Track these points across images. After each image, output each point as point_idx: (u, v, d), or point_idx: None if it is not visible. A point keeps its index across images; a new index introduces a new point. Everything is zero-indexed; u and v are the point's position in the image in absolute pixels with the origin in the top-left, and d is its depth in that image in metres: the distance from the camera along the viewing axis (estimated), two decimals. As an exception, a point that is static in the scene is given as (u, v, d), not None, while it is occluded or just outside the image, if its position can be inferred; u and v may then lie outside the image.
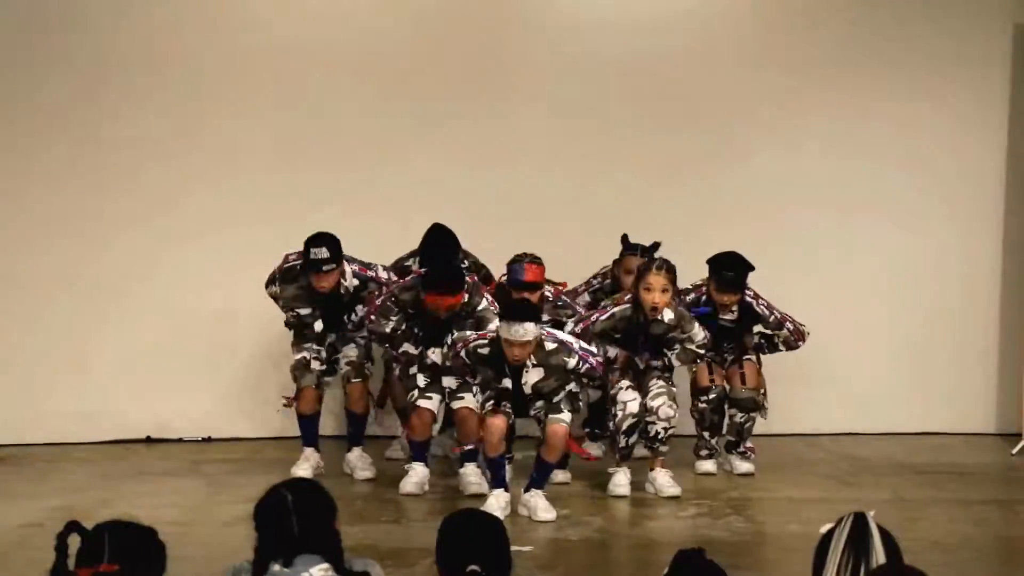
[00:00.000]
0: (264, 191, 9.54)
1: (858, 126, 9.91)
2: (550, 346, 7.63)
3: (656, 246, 8.62)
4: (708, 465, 8.86)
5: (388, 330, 8.30)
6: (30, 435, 9.48)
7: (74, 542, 3.98)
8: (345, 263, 8.54)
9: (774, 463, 8.82)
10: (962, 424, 9.89)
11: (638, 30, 9.88)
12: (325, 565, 4.27)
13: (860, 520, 4.09)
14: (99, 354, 9.58)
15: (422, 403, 8.19)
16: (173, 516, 7.44)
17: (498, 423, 7.66)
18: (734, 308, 8.66)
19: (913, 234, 9.77)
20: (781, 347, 8.91)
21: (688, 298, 8.69)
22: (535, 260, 8.42)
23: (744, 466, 8.83)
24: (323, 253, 8.39)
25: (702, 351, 8.40)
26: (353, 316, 8.72)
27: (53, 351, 9.58)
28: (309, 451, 8.66)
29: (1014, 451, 9.61)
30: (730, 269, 8.58)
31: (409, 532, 7.34)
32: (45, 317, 9.57)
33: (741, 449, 8.88)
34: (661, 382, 8.28)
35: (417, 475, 8.18)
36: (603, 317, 8.26)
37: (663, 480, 8.23)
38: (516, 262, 8.44)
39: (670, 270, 8.13)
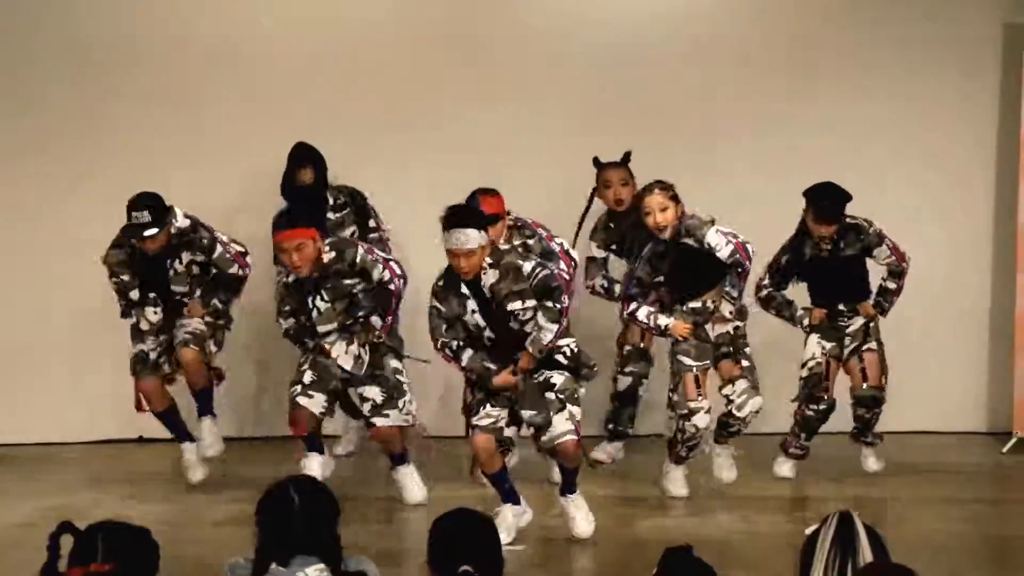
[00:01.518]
0: (262, 190, 9.48)
1: (848, 127, 9.92)
2: (504, 247, 7.44)
3: (627, 155, 8.72)
4: (787, 469, 8.61)
5: (286, 326, 7.99)
6: (22, 435, 9.49)
7: (67, 542, 4.01)
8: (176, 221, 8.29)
9: (765, 461, 8.81)
10: (953, 423, 9.88)
11: (630, 28, 9.89)
12: (321, 566, 4.29)
13: (846, 519, 4.11)
14: (91, 354, 9.58)
15: (301, 400, 7.81)
16: (165, 516, 7.47)
17: (481, 442, 7.25)
18: (829, 243, 8.44)
19: (904, 235, 9.76)
20: (891, 285, 8.60)
21: (784, 259, 8.50)
22: (489, 191, 8.12)
23: (874, 464, 8.64)
24: (144, 217, 8.13)
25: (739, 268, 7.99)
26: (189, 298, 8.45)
27: (46, 351, 9.59)
28: (188, 446, 8.48)
29: (1004, 449, 9.62)
30: (828, 197, 8.40)
31: (399, 532, 7.37)
32: (39, 318, 9.58)
33: (868, 439, 8.64)
34: (744, 381, 8.01)
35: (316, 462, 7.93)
36: (639, 260, 8.07)
37: (723, 460, 8.26)
38: (471, 198, 8.05)
39: (665, 188, 7.95)
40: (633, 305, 8.02)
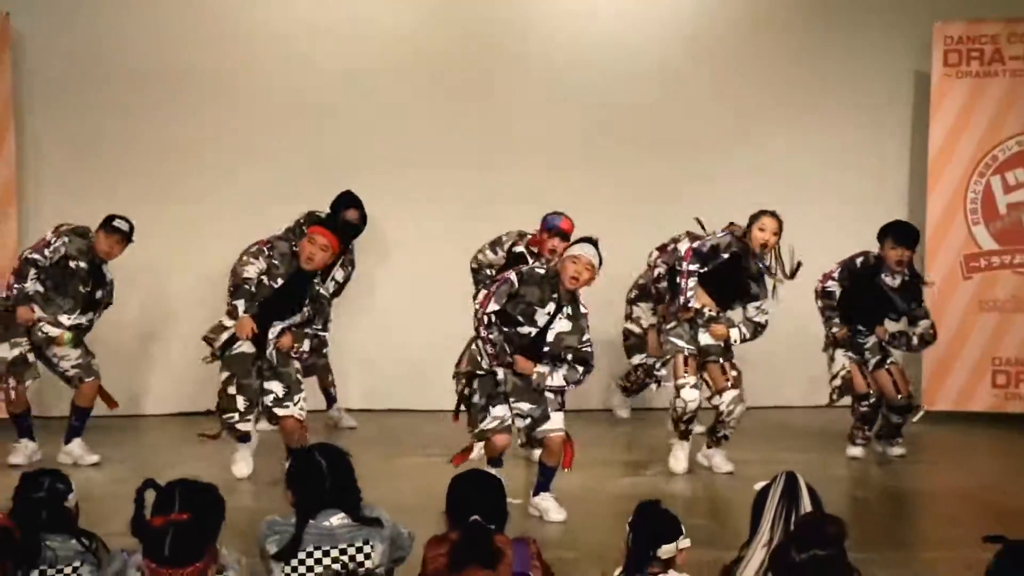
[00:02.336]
0: (288, 188, 9.43)
1: (789, 154, 9.96)
2: (583, 310, 6.82)
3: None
4: (858, 451, 8.45)
5: (252, 274, 7.44)
6: (118, 408, 9.48)
7: (150, 496, 4.03)
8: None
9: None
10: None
11: (620, 73, 9.95)
12: (342, 515, 4.34)
13: (792, 478, 4.15)
14: (169, 342, 9.57)
15: (240, 427, 7.54)
16: (228, 476, 7.46)
17: (500, 442, 6.80)
18: (904, 273, 8.21)
19: (834, 246, 9.75)
20: (915, 342, 8.48)
21: (858, 261, 8.26)
22: (567, 216, 7.99)
23: (898, 450, 8.46)
24: (124, 226, 7.89)
25: (762, 320, 7.85)
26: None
27: (131, 337, 9.59)
28: (28, 442, 8.06)
29: (914, 420, 9.62)
30: (904, 226, 8.21)
31: (421, 490, 7.34)
32: (127, 310, 9.56)
33: (895, 439, 8.49)
34: (730, 392, 7.75)
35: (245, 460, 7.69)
36: (717, 235, 7.83)
37: (719, 459, 7.93)
38: (553, 214, 7.97)
39: (780, 222, 7.77)
40: (695, 266, 7.76)
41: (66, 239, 7.91)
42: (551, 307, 6.71)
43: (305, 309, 7.56)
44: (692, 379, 7.75)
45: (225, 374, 7.53)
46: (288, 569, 4.31)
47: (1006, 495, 7.63)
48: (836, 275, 8.34)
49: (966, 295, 9.76)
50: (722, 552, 4.62)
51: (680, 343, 7.79)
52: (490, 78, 9.93)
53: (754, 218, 7.81)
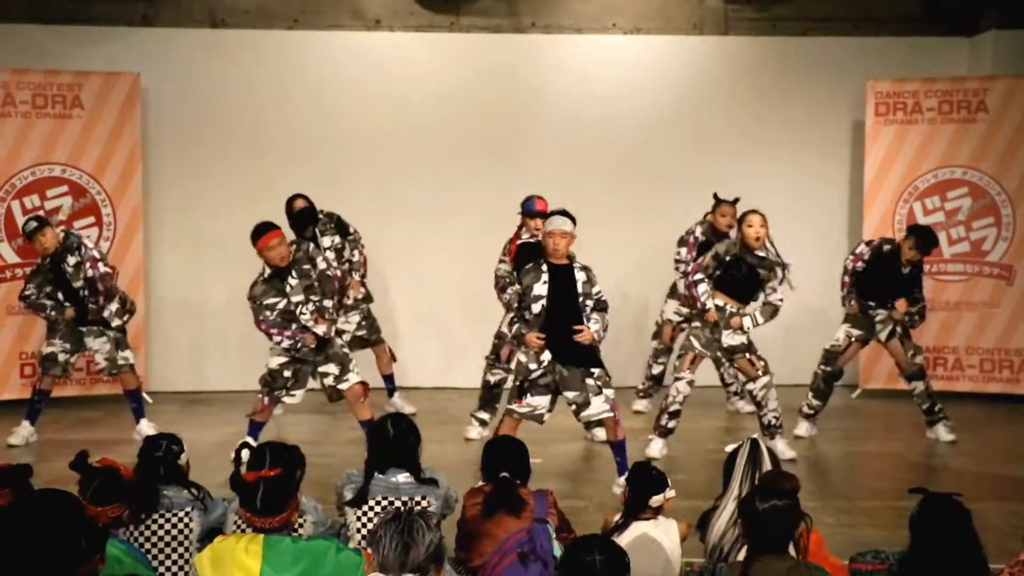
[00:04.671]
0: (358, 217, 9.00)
1: (760, 184, 9.78)
2: (584, 263, 6.32)
3: (737, 200, 7.96)
4: (803, 429, 7.80)
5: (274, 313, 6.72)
6: (219, 384, 9.48)
7: (245, 456, 3.98)
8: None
9: (700, 408, 8.63)
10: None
11: (622, 124, 9.84)
12: (406, 474, 4.31)
13: (755, 442, 4.12)
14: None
15: (288, 399, 6.92)
16: (309, 438, 7.43)
17: (508, 427, 6.19)
18: (908, 267, 7.53)
19: (790, 249, 9.60)
20: (916, 318, 7.66)
21: (885, 247, 7.56)
22: (542, 198, 7.34)
23: (949, 436, 7.65)
24: (31, 224, 7.32)
25: (776, 301, 7.04)
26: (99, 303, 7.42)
27: (229, 328, 9.56)
28: (26, 423, 7.53)
29: (853, 396, 9.55)
30: (933, 242, 7.57)
31: (463, 450, 7.31)
32: (221, 302, 9.52)
33: (939, 411, 7.68)
34: (764, 378, 7.04)
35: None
36: (712, 253, 7.12)
37: (781, 446, 7.02)
38: (528, 199, 7.39)
39: (763, 216, 7.04)
40: (699, 276, 7.08)
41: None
42: (544, 277, 6.19)
43: (315, 288, 6.75)
44: (690, 376, 7.05)
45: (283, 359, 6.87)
46: (359, 513, 4.29)
47: (928, 456, 7.55)
48: (866, 256, 7.63)
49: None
50: (700, 502, 4.56)
51: (696, 344, 7.08)
52: (514, 121, 9.86)
53: (741, 219, 7.13)
